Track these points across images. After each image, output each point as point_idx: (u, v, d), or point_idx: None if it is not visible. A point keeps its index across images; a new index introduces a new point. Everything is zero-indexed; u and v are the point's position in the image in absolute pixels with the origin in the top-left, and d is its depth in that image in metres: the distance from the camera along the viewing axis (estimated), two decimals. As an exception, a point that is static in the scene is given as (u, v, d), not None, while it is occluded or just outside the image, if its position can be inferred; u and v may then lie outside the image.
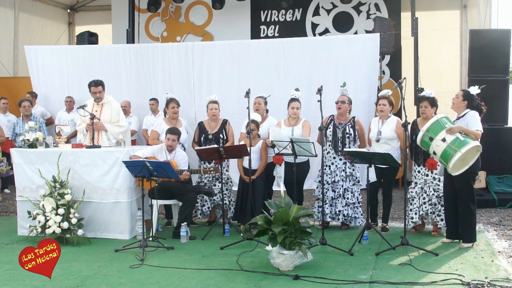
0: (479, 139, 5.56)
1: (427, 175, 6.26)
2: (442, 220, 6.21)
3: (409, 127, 5.93)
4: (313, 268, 5.05)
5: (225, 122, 7.18)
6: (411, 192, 6.41)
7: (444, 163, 5.51)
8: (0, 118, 9.52)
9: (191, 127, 7.78)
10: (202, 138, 7.08)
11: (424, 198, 6.29)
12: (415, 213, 6.34)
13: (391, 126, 6.50)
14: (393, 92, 6.74)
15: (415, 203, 6.36)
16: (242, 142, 6.64)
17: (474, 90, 5.85)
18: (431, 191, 6.25)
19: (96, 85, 6.97)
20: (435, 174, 6.19)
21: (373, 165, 5.92)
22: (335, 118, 6.75)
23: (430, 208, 6.27)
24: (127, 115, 8.82)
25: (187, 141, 7.35)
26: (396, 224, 7.00)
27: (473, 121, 5.63)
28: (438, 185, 6.21)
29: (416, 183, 6.37)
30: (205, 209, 7.04)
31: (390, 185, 6.67)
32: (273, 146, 6.49)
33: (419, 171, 6.33)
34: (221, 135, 7.05)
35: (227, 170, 7.12)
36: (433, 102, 6.18)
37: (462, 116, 5.76)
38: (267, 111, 7.19)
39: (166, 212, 7.27)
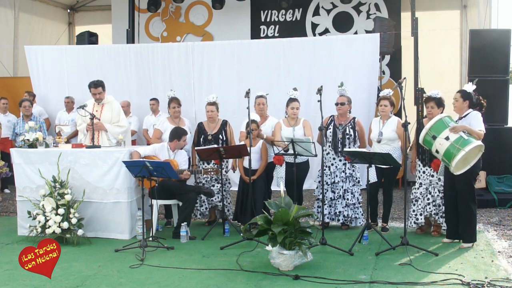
0: (481, 139, 5.56)
1: (432, 176, 6.24)
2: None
3: (409, 127, 5.92)
4: (313, 268, 5.05)
5: (224, 123, 7.14)
6: (415, 192, 6.38)
7: (446, 161, 5.49)
8: (0, 118, 9.52)
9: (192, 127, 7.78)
10: (201, 139, 7.06)
11: (428, 199, 6.28)
12: (420, 214, 6.33)
13: (392, 126, 6.49)
14: (393, 92, 6.74)
15: (419, 204, 6.35)
16: (242, 142, 6.64)
17: (470, 87, 5.84)
18: (435, 192, 6.24)
19: (96, 86, 6.95)
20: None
21: (373, 165, 5.93)
22: (336, 119, 6.74)
23: (434, 209, 6.26)
24: (127, 115, 8.81)
25: (190, 140, 7.34)
26: (396, 224, 7.00)
27: (476, 122, 5.63)
28: (443, 186, 6.19)
29: (421, 183, 6.35)
30: (203, 209, 7.02)
31: (391, 185, 6.67)
32: (287, 151, 6.33)
33: (424, 172, 6.31)
34: (220, 136, 7.03)
35: (226, 172, 7.10)
36: (439, 103, 6.15)
37: (464, 116, 5.75)
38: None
39: (166, 212, 7.26)
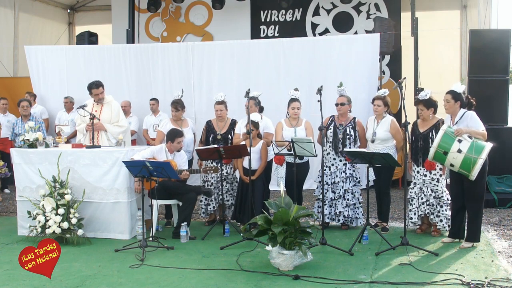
0: (486, 139, 5.56)
1: (425, 176, 6.26)
2: (441, 221, 6.21)
3: (409, 127, 5.93)
4: (313, 268, 5.05)
5: (233, 122, 7.11)
6: (411, 192, 6.41)
7: (465, 172, 5.44)
8: None
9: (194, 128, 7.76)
10: (210, 138, 7.05)
11: (422, 199, 6.30)
12: (414, 214, 6.35)
13: (385, 126, 6.49)
14: (390, 92, 6.74)
15: (414, 204, 6.37)
16: (242, 142, 6.63)
17: (460, 87, 5.85)
18: (428, 191, 6.25)
19: (98, 87, 6.95)
20: (434, 174, 6.19)
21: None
22: (336, 119, 6.74)
23: (428, 209, 6.27)
24: (127, 115, 8.82)
25: (192, 141, 7.31)
26: (396, 224, 7.00)
27: (475, 123, 5.63)
28: (437, 185, 6.21)
29: (415, 183, 6.38)
30: (210, 208, 7.02)
31: (387, 184, 6.66)
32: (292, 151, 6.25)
33: (418, 172, 6.33)
34: (229, 136, 7.02)
35: (234, 171, 7.09)
36: (428, 104, 6.18)
37: (460, 119, 5.74)
38: (262, 109, 7.12)
39: (166, 212, 7.25)
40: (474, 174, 5.38)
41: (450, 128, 5.59)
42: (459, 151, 5.39)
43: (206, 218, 7.20)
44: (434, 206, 6.23)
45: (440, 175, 6.18)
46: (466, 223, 5.87)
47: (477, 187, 5.66)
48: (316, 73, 8.29)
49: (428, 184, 6.25)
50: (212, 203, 7.01)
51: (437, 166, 6.10)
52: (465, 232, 5.85)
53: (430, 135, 6.14)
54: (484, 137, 5.54)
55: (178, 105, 7.26)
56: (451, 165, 5.51)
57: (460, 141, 5.44)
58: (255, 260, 5.39)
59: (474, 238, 5.78)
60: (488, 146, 5.42)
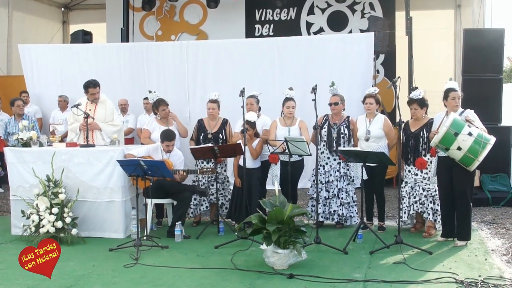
0: None
1: (416, 174, 6.28)
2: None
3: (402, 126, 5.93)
4: (308, 267, 5.06)
5: (225, 122, 7.11)
6: (402, 191, 6.40)
7: (471, 157, 5.43)
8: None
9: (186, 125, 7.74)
10: (201, 137, 7.04)
11: (414, 197, 6.31)
12: (404, 212, 6.36)
13: (379, 124, 6.50)
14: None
15: (404, 203, 6.38)
16: (239, 141, 6.62)
17: (456, 84, 5.95)
18: (420, 190, 6.26)
19: (95, 86, 6.91)
20: (425, 173, 6.20)
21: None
22: (330, 118, 6.75)
23: (421, 207, 6.28)
24: (125, 113, 8.81)
25: (179, 140, 7.30)
26: (390, 223, 7.01)
27: (477, 120, 5.68)
28: (428, 184, 6.22)
29: (406, 182, 6.39)
30: (203, 208, 7.00)
31: (381, 183, 6.67)
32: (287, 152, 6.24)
33: (409, 171, 6.34)
34: (220, 135, 7.01)
35: (225, 170, 7.08)
36: (422, 103, 6.20)
37: (460, 115, 5.76)
38: (259, 109, 7.16)
39: (157, 212, 7.20)
40: (480, 159, 5.39)
41: (459, 116, 5.62)
42: (470, 134, 5.40)
43: (193, 218, 7.15)
44: (426, 205, 6.24)
45: (433, 174, 6.17)
46: (456, 222, 5.90)
47: (466, 187, 5.70)
48: (310, 72, 8.27)
49: (419, 183, 6.27)
50: (205, 203, 6.99)
51: (429, 165, 6.11)
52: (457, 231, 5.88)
53: (421, 134, 6.17)
54: (486, 133, 5.60)
55: (166, 101, 7.25)
56: (458, 148, 5.43)
57: (469, 126, 5.48)
58: (249, 259, 5.39)
59: (466, 237, 5.81)
60: (493, 138, 5.47)
